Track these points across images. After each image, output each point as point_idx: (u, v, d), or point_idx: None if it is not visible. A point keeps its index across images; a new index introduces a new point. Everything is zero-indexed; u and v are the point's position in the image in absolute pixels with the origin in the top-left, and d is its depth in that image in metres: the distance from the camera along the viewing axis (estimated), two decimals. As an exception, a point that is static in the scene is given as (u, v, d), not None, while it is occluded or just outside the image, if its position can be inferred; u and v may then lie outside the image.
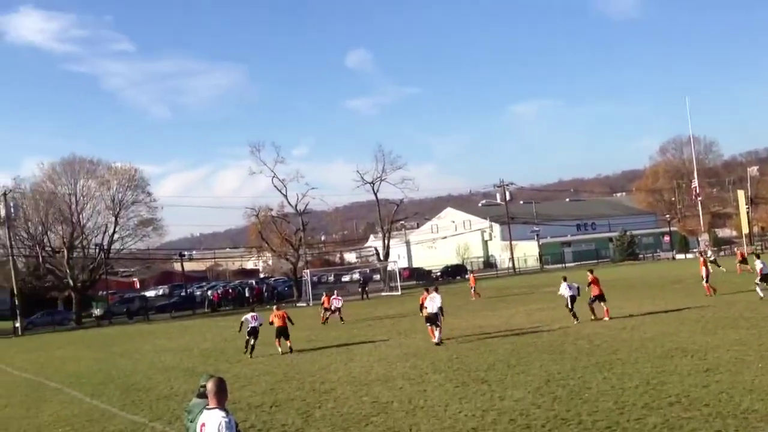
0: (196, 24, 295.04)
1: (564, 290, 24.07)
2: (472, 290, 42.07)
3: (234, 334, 32.73)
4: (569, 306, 23.46)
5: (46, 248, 63.30)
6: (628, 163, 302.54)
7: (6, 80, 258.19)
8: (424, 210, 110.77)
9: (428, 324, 21.55)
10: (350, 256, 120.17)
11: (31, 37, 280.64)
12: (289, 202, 66.70)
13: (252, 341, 22.72)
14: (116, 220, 64.17)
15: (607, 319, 22.43)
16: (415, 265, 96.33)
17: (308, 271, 60.79)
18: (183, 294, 71.12)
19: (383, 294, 59.34)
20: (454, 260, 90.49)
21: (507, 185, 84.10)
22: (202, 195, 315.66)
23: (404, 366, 17.14)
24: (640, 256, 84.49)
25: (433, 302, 21.39)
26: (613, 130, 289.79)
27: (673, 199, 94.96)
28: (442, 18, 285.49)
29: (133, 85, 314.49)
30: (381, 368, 17.16)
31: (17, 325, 53.91)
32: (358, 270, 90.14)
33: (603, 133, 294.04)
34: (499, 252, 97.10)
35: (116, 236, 64.75)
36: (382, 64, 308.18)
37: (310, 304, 52.01)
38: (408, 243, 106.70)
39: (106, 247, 63.51)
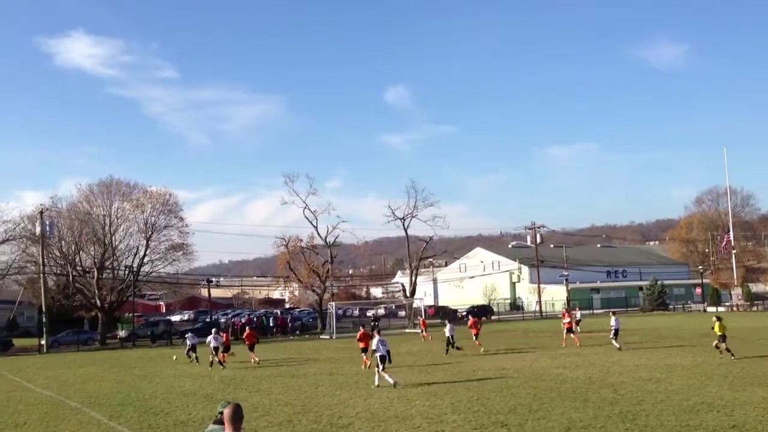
0: (238, 55, 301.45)
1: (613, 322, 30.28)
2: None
3: (254, 362, 32.82)
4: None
5: (77, 267, 64.19)
6: (663, 212, 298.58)
7: (51, 102, 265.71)
8: (454, 248, 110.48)
9: (379, 366, 21.18)
10: (376, 291, 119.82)
11: (79, 60, 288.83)
12: (319, 234, 67.12)
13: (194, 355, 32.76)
14: (148, 243, 65.00)
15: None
16: (441, 303, 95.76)
17: (333, 303, 60.75)
18: (208, 320, 71.40)
19: (407, 330, 58.89)
20: (481, 300, 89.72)
21: (538, 228, 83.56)
22: (233, 222, 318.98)
23: (423, 404, 16.92)
24: (671, 306, 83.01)
25: (382, 345, 21.26)
26: (648, 178, 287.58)
27: (707, 250, 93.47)
28: (483, 58, 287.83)
29: (174, 112, 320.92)
30: (400, 405, 16.95)
31: (42, 342, 54.50)
32: (383, 305, 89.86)
33: (638, 181, 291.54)
34: (527, 294, 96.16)
35: (146, 259, 65.55)
36: (420, 100, 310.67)
37: (334, 337, 51.87)
38: (435, 281, 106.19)
39: (135, 269, 64.23)
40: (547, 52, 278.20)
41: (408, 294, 68.74)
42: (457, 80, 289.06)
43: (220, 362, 31.23)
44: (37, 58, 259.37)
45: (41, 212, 57.11)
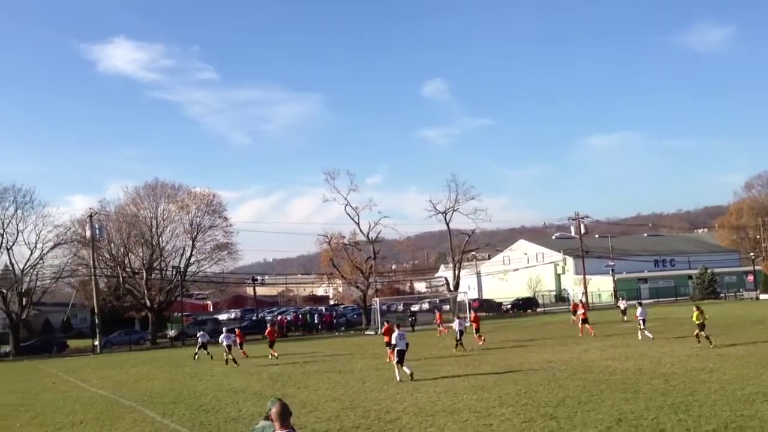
0: (276, 54, 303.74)
1: (640, 313, 30.75)
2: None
3: (300, 358, 33.16)
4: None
5: (127, 269, 65.65)
6: (711, 198, 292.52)
7: (96, 107, 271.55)
8: (496, 241, 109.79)
9: (397, 361, 21.63)
10: (420, 286, 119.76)
11: (122, 66, 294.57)
12: (361, 230, 67.29)
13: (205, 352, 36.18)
14: (193, 243, 66.12)
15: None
16: (485, 296, 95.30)
17: (378, 299, 60.91)
18: (254, 318, 72.34)
19: (452, 324, 58.74)
20: (526, 293, 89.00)
21: (582, 218, 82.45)
22: (276, 221, 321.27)
23: (471, 398, 16.88)
24: (722, 294, 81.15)
25: (400, 339, 21.71)
26: (695, 165, 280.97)
27: (758, 236, 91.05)
28: (519, 50, 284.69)
29: (214, 113, 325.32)
30: (447, 399, 16.94)
31: (96, 343, 55.93)
32: (428, 299, 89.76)
33: (684, 168, 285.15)
34: (572, 286, 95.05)
35: (193, 259, 66.69)
36: (458, 94, 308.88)
37: (379, 333, 52.02)
38: (479, 274, 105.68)
39: (182, 269, 65.37)
40: (584, 42, 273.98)
41: (452, 288, 68.54)
42: (494, 73, 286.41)
43: (234, 360, 32.15)
44: (81, 64, 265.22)
45: (90, 216, 58.54)
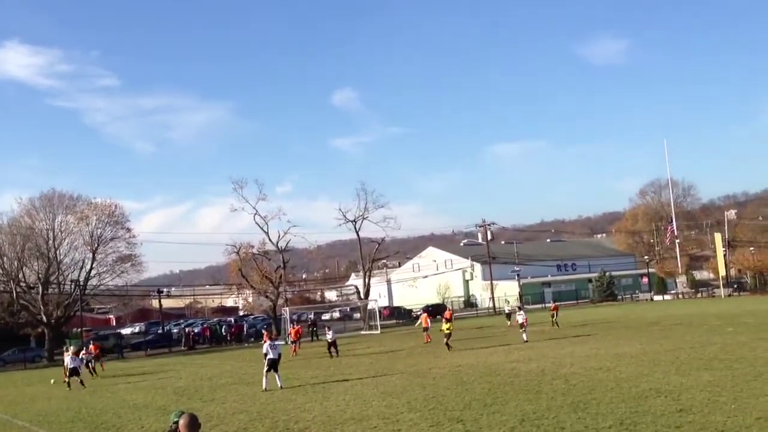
0: (183, 60, 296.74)
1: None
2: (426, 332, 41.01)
3: (210, 372, 32.43)
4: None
5: (21, 284, 62.31)
6: (610, 204, 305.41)
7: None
8: (407, 249, 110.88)
9: (267, 370, 22.80)
10: (331, 294, 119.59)
11: (15, 72, 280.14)
12: (270, 240, 66.42)
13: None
14: (94, 256, 63.44)
15: None
16: (395, 303, 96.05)
17: (288, 308, 60.32)
18: (160, 331, 70.18)
19: (363, 332, 58.94)
20: (435, 299, 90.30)
21: (489, 225, 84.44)
22: (183, 231, 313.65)
23: (380, 405, 16.96)
24: (619, 297, 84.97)
25: (273, 349, 23.06)
26: (595, 172, 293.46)
27: (652, 241, 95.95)
28: (427, 59, 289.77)
29: (117, 120, 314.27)
30: (356, 407, 16.96)
31: (-12, 361, 52.84)
32: (338, 308, 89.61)
33: (585, 175, 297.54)
34: (480, 291, 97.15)
35: (93, 272, 63.92)
36: (368, 103, 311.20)
37: (289, 342, 51.50)
38: (389, 282, 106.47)
39: (82, 283, 62.65)
40: (489, 51, 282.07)
41: (362, 296, 68.74)
42: (403, 81, 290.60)
43: (81, 381, 29.91)
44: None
45: (-19, 228, 55.33)
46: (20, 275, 62.41)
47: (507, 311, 50.90)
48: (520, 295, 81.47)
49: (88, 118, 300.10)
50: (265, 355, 22.93)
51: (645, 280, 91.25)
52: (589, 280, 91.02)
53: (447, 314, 36.40)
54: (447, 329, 32.82)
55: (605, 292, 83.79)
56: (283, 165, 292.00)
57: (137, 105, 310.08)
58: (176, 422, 6.15)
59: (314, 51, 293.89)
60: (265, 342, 23.62)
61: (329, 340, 35.18)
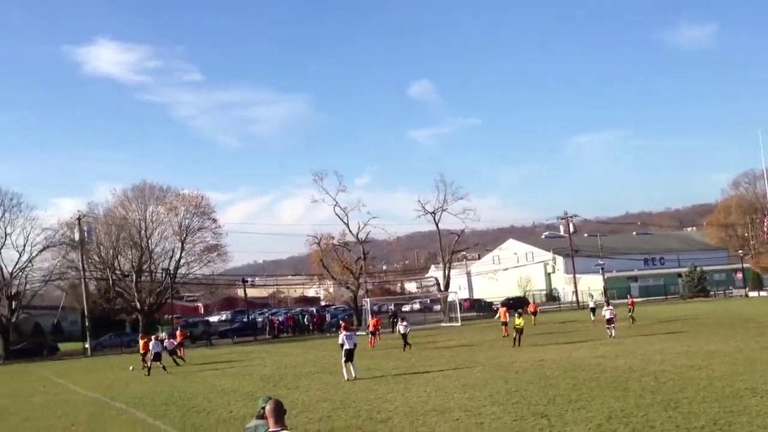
0: (264, 54, 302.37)
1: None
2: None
3: (293, 360, 33.16)
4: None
5: (116, 272, 65.28)
6: (699, 196, 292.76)
7: (83, 110, 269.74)
8: (486, 241, 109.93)
9: (345, 360, 23.02)
10: (411, 286, 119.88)
11: (107, 68, 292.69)
12: (350, 231, 67.15)
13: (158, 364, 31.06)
14: (182, 245, 65.81)
15: None
16: (475, 296, 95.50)
17: (368, 299, 60.87)
18: (245, 320, 72.19)
19: (443, 324, 58.90)
20: (516, 292, 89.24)
21: (571, 217, 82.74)
22: (266, 222, 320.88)
23: (462, 397, 16.92)
24: (711, 292, 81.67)
25: (349, 339, 23.16)
26: (683, 163, 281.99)
27: (747, 234, 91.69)
28: (504, 50, 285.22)
29: (202, 114, 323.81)
30: (438, 399, 16.98)
31: (87, 346, 55.68)
32: (418, 300, 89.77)
33: (673, 166, 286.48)
34: (562, 285, 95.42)
35: (182, 261, 66.37)
36: (445, 94, 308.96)
37: (368, 334, 51.97)
38: (469, 274, 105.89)
39: (172, 271, 65.12)
40: (571, 39, 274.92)
41: (442, 288, 68.63)
42: (481, 71, 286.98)
43: (163, 367, 31.43)
44: (68, 67, 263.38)
45: (79, 219, 58.19)
46: (115, 263, 65.45)
47: (592, 306, 49.74)
48: (605, 290, 79.48)
49: (175, 112, 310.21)
50: (341, 345, 23.23)
51: (739, 275, 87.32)
52: (679, 275, 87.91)
53: (532, 307, 36.14)
54: (519, 324, 31.40)
55: (696, 288, 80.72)
56: (362, 157, 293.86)
57: (220, 98, 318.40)
58: (263, 407, 6.33)
59: (392, 43, 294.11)
60: (341, 332, 24.00)
61: (402, 333, 35.00)
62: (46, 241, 58.91)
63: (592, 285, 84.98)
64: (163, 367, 31.33)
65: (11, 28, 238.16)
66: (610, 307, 33.97)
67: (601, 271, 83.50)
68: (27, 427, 18.17)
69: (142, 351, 33.64)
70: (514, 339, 31.02)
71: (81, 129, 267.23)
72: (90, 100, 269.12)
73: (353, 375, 22.44)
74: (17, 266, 57.33)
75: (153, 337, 33.96)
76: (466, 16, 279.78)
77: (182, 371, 31.95)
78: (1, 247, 56.69)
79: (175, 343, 38.10)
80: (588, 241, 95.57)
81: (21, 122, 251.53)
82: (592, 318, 45.82)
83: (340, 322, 32.42)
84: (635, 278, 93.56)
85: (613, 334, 31.66)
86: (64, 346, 60.08)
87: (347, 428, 14.19)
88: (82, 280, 59.85)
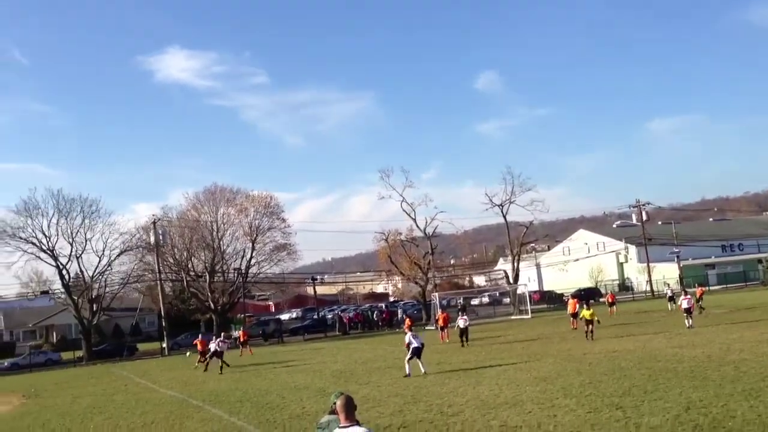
0: (327, 54, 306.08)
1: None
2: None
3: (364, 356, 33.41)
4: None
5: (190, 273, 67.20)
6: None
7: (156, 117, 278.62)
8: (555, 232, 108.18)
9: (409, 358, 23.11)
10: (479, 279, 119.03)
11: (177, 75, 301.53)
12: (417, 226, 67.13)
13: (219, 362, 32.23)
14: (253, 245, 67.20)
15: None
16: (545, 288, 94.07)
17: (437, 294, 60.78)
18: (315, 317, 73.17)
19: (513, 317, 58.29)
20: (587, 283, 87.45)
21: (643, 205, 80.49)
22: (333, 220, 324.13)
23: (534, 390, 16.72)
24: (794, 278, 78.11)
25: (416, 338, 23.20)
26: (761, 144, 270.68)
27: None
28: (573, 39, 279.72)
29: (269, 116, 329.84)
30: (510, 392, 16.83)
31: (164, 345, 57.50)
32: (488, 293, 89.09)
33: (750, 149, 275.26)
34: (636, 274, 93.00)
35: (253, 261, 67.80)
36: (512, 85, 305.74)
37: (437, 328, 51.92)
38: (538, 266, 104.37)
39: (243, 271, 66.56)
40: (638, 22, 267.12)
41: (511, 280, 67.90)
42: (547, 60, 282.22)
43: (222, 365, 32.22)
44: (140, 76, 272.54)
45: (154, 222, 60.12)
46: (189, 265, 67.38)
47: (670, 294, 48.29)
48: (681, 278, 77.04)
49: (244, 114, 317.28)
50: (408, 344, 23.16)
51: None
52: (759, 261, 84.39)
53: (610, 297, 35.61)
54: (589, 315, 29.95)
55: (778, 274, 77.43)
56: (428, 152, 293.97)
57: (286, 100, 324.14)
58: (335, 403, 6.41)
59: (456, 37, 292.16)
60: (406, 332, 24.34)
61: (461, 327, 33.52)
62: (123, 246, 61.11)
63: (667, 274, 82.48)
64: (221, 366, 32.06)
65: (97, 46, 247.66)
66: (688, 296, 32.96)
67: (676, 259, 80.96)
68: (110, 425, 18.89)
69: (200, 349, 37.04)
70: (586, 332, 30.28)
71: (155, 135, 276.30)
72: (162, 107, 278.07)
73: (422, 371, 22.44)
74: (97, 270, 59.69)
75: (213, 337, 35.98)
76: (532, 5, 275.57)
77: (251, 369, 32.59)
78: (82, 252, 59.09)
79: (227, 346, 38.15)
80: (662, 229, 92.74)
81: (98, 131, 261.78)
82: (670, 308, 44.52)
83: (404, 317, 32.37)
84: (712, 266, 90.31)
85: (692, 323, 30.71)
86: (142, 346, 62.29)
87: (419, 422, 14.21)
88: (158, 281, 61.83)
